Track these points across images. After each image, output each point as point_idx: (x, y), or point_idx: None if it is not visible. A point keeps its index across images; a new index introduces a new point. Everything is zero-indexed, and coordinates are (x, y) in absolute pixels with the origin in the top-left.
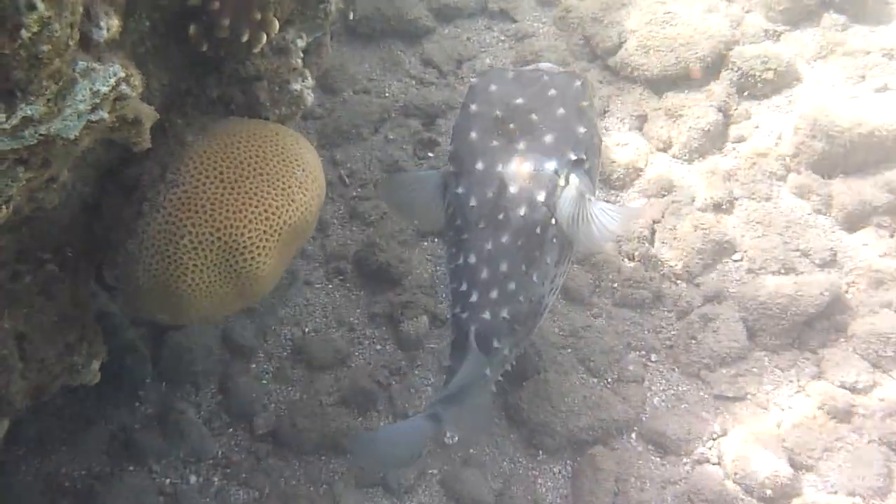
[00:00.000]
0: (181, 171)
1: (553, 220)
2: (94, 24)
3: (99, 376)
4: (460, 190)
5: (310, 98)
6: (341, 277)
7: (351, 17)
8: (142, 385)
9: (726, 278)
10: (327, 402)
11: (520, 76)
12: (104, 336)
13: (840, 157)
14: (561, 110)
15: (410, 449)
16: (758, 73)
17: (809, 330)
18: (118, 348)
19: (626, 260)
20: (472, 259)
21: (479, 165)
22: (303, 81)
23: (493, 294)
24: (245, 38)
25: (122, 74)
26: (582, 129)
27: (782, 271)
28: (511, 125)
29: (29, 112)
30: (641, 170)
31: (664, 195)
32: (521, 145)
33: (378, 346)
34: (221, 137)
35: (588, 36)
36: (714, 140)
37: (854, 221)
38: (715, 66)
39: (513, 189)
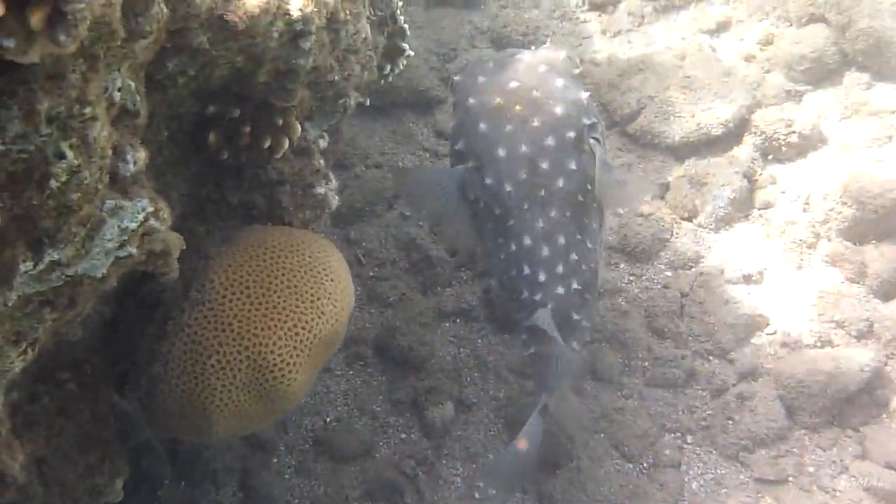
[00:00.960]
0: (206, 287)
1: (588, 186)
2: (120, 158)
3: (122, 494)
4: (489, 181)
5: (334, 201)
6: (362, 363)
7: (367, 102)
8: (160, 486)
9: (760, 353)
10: (353, 496)
11: (502, 62)
12: (120, 436)
13: (872, 223)
14: (558, 81)
15: (535, 448)
16: (782, 137)
17: (850, 406)
18: (135, 449)
19: (655, 337)
20: (527, 241)
21: (501, 152)
22: (326, 184)
23: (560, 269)
24: (267, 145)
25: (151, 209)
26: (585, 94)
27: (818, 345)
28: (517, 107)
29: (56, 257)
30: (667, 240)
31: (691, 267)
32: (536, 122)
33: (403, 435)
34: (246, 249)
35: (605, 102)
36: (740, 207)
37: (889, 290)
38: (738, 130)
39: (544, 165)
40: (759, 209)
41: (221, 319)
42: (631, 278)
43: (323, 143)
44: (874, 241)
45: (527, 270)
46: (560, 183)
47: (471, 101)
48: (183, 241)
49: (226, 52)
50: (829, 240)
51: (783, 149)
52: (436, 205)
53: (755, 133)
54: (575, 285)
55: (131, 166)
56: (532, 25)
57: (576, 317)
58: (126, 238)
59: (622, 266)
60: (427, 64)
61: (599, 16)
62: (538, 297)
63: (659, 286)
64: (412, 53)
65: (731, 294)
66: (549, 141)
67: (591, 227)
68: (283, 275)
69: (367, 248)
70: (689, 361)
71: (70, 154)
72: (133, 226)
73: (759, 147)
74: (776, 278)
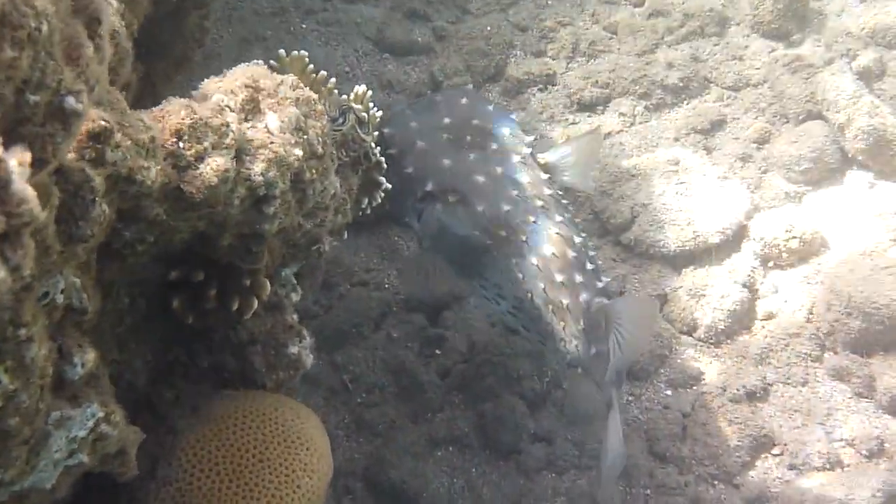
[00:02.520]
0: (173, 464)
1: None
2: (67, 362)
3: None
4: (481, 208)
5: (309, 360)
6: (351, 496)
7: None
8: None
9: (767, 476)
10: None
11: (420, 107)
12: None
13: (879, 334)
14: (488, 108)
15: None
16: (782, 243)
17: None
18: None
19: (657, 462)
20: (548, 250)
21: (480, 178)
22: (300, 342)
23: (589, 265)
24: (235, 307)
25: (101, 414)
26: (513, 116)
27: (827, 466)
28: (468, 137)
29: None
30: (666, 357)
31: (692, 385)
32: (494, 146)
33: None
34: (215, 420)
35: (598, 210)
36: (741, 319)
37: None
38: (736, 237)
39: (524, 179)
40: (761, 320)
41: (190, 499)
42: (630, 398)
43: (295, 298)
44: (882, 353)
45: (560, 277)
46: (546, 190)
47: (419, 144)
48: (140, 434)
49: (185, 221)
50: (836, 353)
51: (784, 255)
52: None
53: (754, 239)
54: (604, 277)
55: (79, 370)
56: None
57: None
58: (76, 446)
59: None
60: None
61: (589, 116)
62: (584, 296)
63: (659, 407)
64: (389, 186)
65: (734, 414)
66: (515, 158)
67: (565, 208)
68: (255, 447)
69: (355, 372)
70: (692, 488)
71: (5, 378)
72: (83, 434)
73: (758, 254)
74: (781, 395)
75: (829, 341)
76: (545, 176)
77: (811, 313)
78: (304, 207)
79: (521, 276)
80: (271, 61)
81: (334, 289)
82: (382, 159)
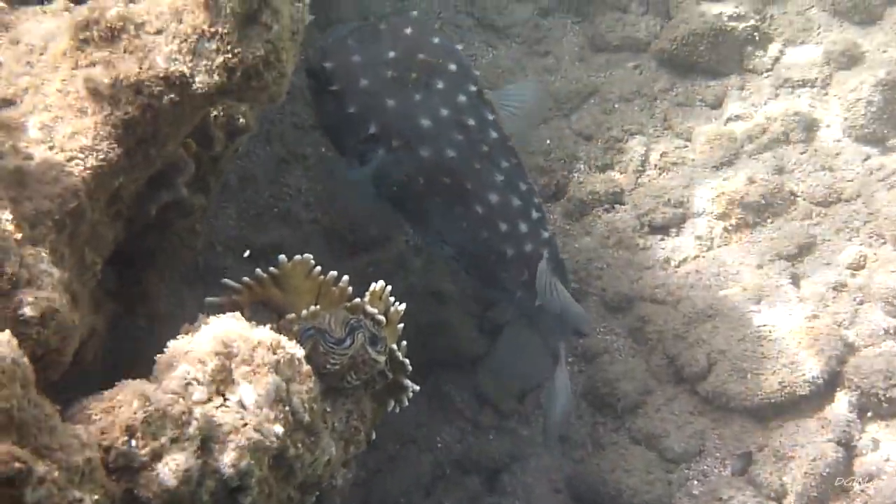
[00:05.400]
0: None
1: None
2: None
3: None
4: (425, 153)
5: None
6: None
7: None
8: None
9: None
10: None
11: (363, 36)
12: None
13: None
14: (434, 40)
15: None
16: (881, 392)
17: None
18: None
19: None
20: (494, 197)
21: (425, 122)
22: None
23: (534, 214)
24: None
25: None
26: (459, 46)
27: None
28: (413, 75)
29: None
30: None
31: None
32: (441, 84)
33: None
34: None
35: (671, 356)
36: (837, 483)
37: None
38: (829, 386)
39: (471, 121)
40: (860, 482)
41: None
42: None
43: None
44: None
45: (504, 227)
46: (493, 134)
47: (362, 82)
48: None
49: None
50: None
51: (885, 405)
52: (358, 211)
53: (849, 387)
54: (549, 227)
55: None
56: (583, 258)
57: (562, 256)
58: None
59: None
60: (463, 311)
61: (661, 240)
62: (528, 248)
63: None
64: (417, 388)
65: None
66: (461, 98)
67: (524, 166)
68: None
69: None
70: None
71: None
72: None
73: (855, 405)
74: None
75: None
76: (492, 117)
77: None
78: (293, 482)
79: (464, 224)
80: (271, 269)
81: (381, 449)
82: (407, 360)
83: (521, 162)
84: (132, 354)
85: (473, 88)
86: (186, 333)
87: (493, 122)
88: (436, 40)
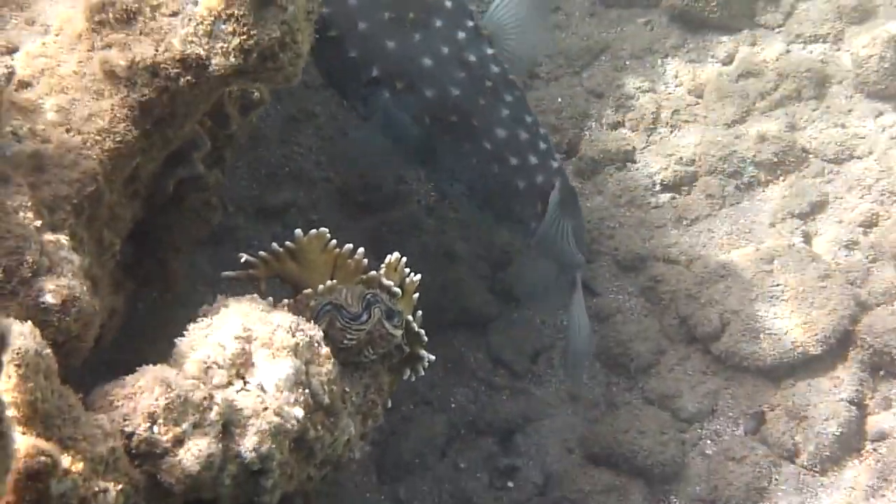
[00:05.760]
0: None
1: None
2: None
3: None
4: (430, 93)
5: None
6: None
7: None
8: None
9: None
10: None
11: None
12: None
13: None
14: None
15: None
16: (894, 351)
17: None
18: None
19: None
20: (501, 132)
21: (427, 61)
22: None
23: (542, 145)
24: None
25: None
26: None
27: None
28: (410, 14)
29: None
30: (765, 489)
31: None
32: (439, 22)
33: None
34: None
35: (684, 316)
36: (849, 443)
37: None
38: (841, 345)
39: (472, 58)
40: (872, 442)
41: None
42: None
43: None
44: None
45: (514, 160)
46: (494, 68)
47: (361, 25)
48: None
49: None
50: None
51: None
52: (369, 164)
53: (862, 347)
54: (557, 156)
55: None
56: (595, 217)
57: (574, 183)
58: None
59: None
60: (475, 273)
61: (673, 198)
62: (539, 179)
63: None
64: (433, 358)
65: None
66: (460, 35)
67: (526, 98)
68: None
69: None
70: None
71: None
72: None
73: (867, 363)
74: None
75: None
76: (491, 51)
77: None
78: (313, 462)
79: (474, 160)
80: (287, 242)
81: (396, 409)
82: (422, 331)
83: (523, 94)
84: (151, 329)
85: (471, 24)
86: (205, 316)
87: (493, 57)
88: None
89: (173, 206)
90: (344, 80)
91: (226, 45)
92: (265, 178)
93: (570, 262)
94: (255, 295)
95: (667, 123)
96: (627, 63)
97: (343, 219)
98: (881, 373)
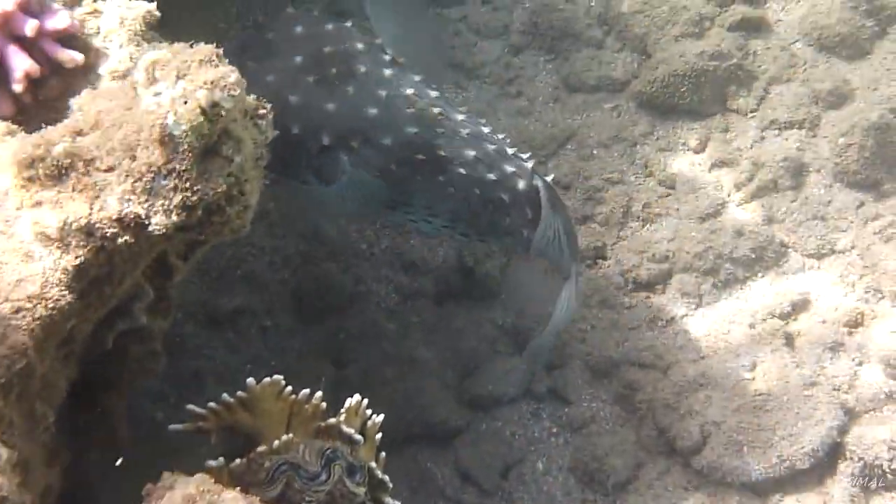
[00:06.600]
0: None
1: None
2: None
3: None
4: (387, 141)
5: None
6: None
7: None
8: None
9: None
10: None
11: (256, 53)
12: None
13: None
14: (328, 26)
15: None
16: (885, 463)
17: None
18: None
19: None
20: (470, 153)
21: (373, 111)
22: None
23: (508, 149)
24: None
25: None
26: (349, 24)
27: None
28: (332, 70)
29: None
30: None
31: None
32: (362, 68)
33: None
34: None
35: (662, 428)
36: None
37: None
38: (830, 458)
39: (409, 91)
40: None
41: None
42: None
43: None
44: None
45: (492, 175)
46: (432, 93)
47: (292, 98)
48: None
49: None
50: None
51: (889, 476)
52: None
53: (851, 459)
54: (524, 154)
55: None
56: None
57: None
58: None
59: None
60: (440, 381)
61: (647, 298)
62: (521, 185)
63: None
64: None
65: None
66: (387, 72)
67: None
68: None
69: None
70: None
71: None
72: None
73: (858, 476)
74: None
75: None
76: (419, 77)
77: None
78: None
79: (450, 189)
80: (239, 392)
81: None
82: (387, 478)
83: (466, 107)
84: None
85: (388, 57)
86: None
87: (424, 81)
88: (329, 27)
89: (114, 358)
90: (290, 158)
91: (167, 203)
92: (215, 280)
93: (567, 256)
94: (205, 475)
95: (638, 217)
96: (594, 152)
97: (298, 324)
98: (872, 487)
